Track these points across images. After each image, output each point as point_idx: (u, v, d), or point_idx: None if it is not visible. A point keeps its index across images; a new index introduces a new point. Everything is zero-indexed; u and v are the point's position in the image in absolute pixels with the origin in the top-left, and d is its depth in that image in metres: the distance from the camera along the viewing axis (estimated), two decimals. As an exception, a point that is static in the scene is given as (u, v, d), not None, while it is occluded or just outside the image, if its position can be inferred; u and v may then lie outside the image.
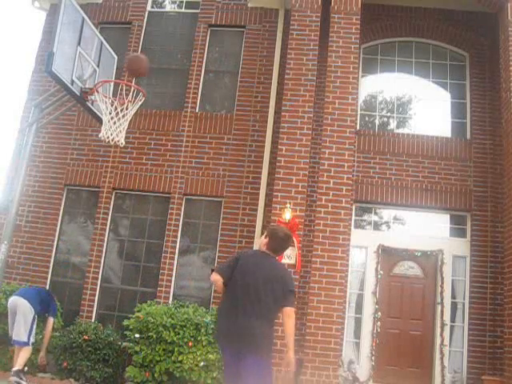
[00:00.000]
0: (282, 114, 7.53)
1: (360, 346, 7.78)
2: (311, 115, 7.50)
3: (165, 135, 8.64)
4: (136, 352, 6.26)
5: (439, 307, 7.80)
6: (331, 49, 7.70)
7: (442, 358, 7.60)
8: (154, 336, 6.21)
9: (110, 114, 6.26)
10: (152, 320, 6.29)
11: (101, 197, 8.48)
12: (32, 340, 6.22)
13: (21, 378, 5.96)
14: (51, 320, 6.67)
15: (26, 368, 6.25)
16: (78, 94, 6.25)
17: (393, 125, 8.88)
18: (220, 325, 3.74)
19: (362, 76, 8.97)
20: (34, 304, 6.27)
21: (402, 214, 8.33)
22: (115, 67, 7.44)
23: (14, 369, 6.01)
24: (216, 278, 3.75)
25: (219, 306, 3.86)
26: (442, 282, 7.87)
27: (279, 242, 3.89)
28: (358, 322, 7.90)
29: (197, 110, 8.76)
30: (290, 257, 6.92)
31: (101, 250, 8.26)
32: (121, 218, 8.60)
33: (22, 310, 6.17)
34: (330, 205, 7.11)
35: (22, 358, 6.08)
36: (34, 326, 6.25)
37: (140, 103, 6.39)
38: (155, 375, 6.14)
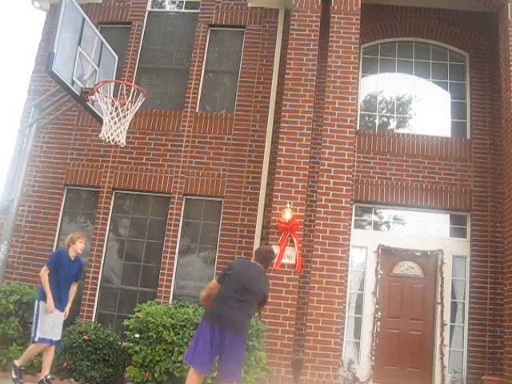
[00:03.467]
0: (282, 113, 7.53)
1: (360, 346, 7.79)
2: (311, 115, 7.50)
3: (165, 135, 8.64)
4: (136, 352, 6.26)
5: (439, 307, 7.80)
6: (331, 49, 7.70)
7: (442, 358, 7.60)
8: (154, 336, 6.21)
9: (111, 114, 6.27)
10: (152, 320, 6.29)
11: (101, 197, 8.48)
12: (39, 335, 5.65)
13: (16, 375, 5.74)
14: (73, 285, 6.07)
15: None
16: (79, 94, 6.26)
17: (393, 125, 8.88)
18: (214, 308, 4.56)
19: (362, 76, 8.97)
20: (38, 296, 5.86)
21: (402, 213, 8.33)
22: (115, 67, 7.46)
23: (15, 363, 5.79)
24: (215, 286, 4.72)
25: (215, 295, 4.67)
26: (442, 282, 7.87)
27: (263, 256, 4.86)
28: (358, 322, 7.90)
29: (197, 110, 8.76)
30: (290, 257, 6.93)
31: (101, 249, 8.26)
32: (121, 218, 8.60)
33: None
34: (329, 205, 7.11)
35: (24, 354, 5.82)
36: (40, 320, 5.68)
37: (140, 103, 6.41)
38: (155, 375, 6.13)
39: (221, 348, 4.38)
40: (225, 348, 4.36)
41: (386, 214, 8.39)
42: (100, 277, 8.18)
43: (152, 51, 9.26)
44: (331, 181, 7.20)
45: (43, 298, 5.73)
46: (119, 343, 6.94)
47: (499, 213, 7.91)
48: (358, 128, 8.53)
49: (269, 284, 5.06)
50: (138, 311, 6.58)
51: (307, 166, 7.31)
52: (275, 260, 6.51)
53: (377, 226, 8.36)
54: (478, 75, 8.68)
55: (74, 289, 6.10)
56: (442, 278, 7.89)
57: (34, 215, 8.52)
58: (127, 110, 6.29)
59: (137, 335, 6.30)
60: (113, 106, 6.30)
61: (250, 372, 6.11)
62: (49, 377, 5.82)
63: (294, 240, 6.96)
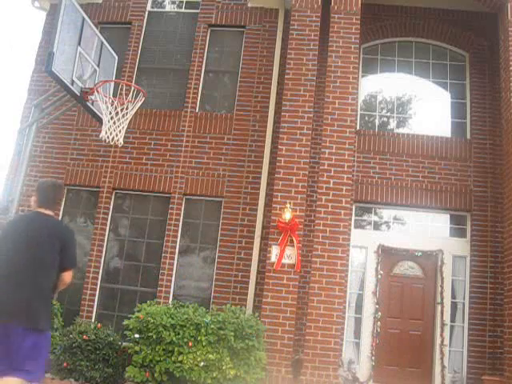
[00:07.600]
0: (282, 114, 7.53)
1: (360, 346, 7.79)
2: (311, 115, 7.50)
3: (165, 135, 8.64)
4: (136, 352, 6.26)
5: (439, 307, 7.80)
6: (331, 49, 7.70)
7: (442, 358, 7.60)
8: (154, 336, 6.21)
9: (110, 113, 6.26)
10: (152, 320, 6.28)
11: (101, 197, 8.48)
12: None
13: None
14: None
15: None
16: (78, 94, 6.25)
17: (393, 125, 8.88)
18: None
19: (362, 76, 8.97)
20: None
21: (402, 213, 8.33)
22: (115, 67, 7.45)
23: None
24: None
25: None
26: (442, 282, 7.87)
27: (44, 193, 3.51)
28: (358, 322, 7.90)
29: (197, 110, 8.76)
30: (290, 257, 6.93)
31: (101, 249, 8.26)
32: (121, 218, 8.60)
33: None
34: (329, 205, 7.11)
35: None
36: None
37: (140, 103, 6.40)
38: (155, 375, 6.13)
39: None
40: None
41: (386, 213, 8.39)
42: (100, 277, 8.18)
43: (152, 51, 9.26)
44: (331, 181, 7.20)
45: None
46: (119, 343, 6.94)
47: (499, 213, 7.91)
48: (358, 128, 8.54)
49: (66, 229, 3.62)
50: (138, 311, 6.57)
51: (307, 166, 7.31)
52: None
53: (377, 226, 8.36)
54: (477, 75, 8.68)
55: None
56: (442, 278, 7.88)
57: (33, 215, 8.50)
58: (127, 109, 6.29)
59: (137, 335, 6.29)
60: (112, 105, 6.29)
61: (249, 372, 6.12)
62: None
63: (294, 240, 6.96)
